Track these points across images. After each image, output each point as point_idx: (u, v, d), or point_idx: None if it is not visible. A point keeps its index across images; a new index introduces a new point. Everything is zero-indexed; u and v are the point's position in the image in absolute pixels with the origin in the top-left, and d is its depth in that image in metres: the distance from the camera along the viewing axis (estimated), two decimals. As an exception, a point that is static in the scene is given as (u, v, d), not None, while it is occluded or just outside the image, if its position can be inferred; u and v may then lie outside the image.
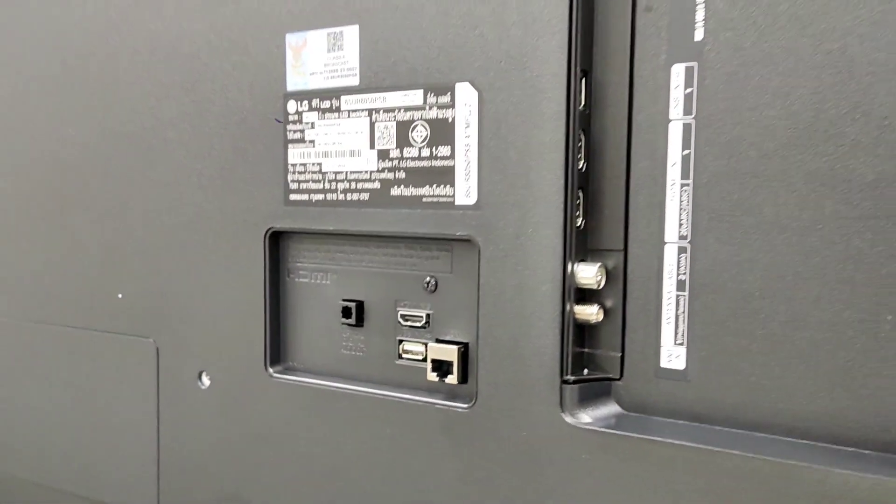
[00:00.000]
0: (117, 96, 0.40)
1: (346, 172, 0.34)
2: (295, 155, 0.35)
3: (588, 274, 0.30)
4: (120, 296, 0.42)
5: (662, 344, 0.29)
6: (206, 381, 0.39)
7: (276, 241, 0.37)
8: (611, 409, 0.30)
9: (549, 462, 0.30)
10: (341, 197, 0.34)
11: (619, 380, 0.30)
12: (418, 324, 0.33)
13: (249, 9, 0.36)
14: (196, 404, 0.39)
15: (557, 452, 0.30)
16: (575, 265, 0.30)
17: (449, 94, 0.31)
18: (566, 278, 0.29)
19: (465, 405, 0.32)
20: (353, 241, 0.35)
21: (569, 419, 0.29)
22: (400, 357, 0.34)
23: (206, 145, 0.38)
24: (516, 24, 0.30)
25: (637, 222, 0.29)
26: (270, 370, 0.37)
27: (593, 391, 0.30)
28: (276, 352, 0.37)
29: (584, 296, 0.30)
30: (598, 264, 0.30)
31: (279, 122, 0.36)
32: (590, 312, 0.30)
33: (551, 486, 0.30)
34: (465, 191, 0.31)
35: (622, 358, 0.30)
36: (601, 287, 0.30)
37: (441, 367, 0.32)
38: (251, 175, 0.37)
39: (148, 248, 0.40)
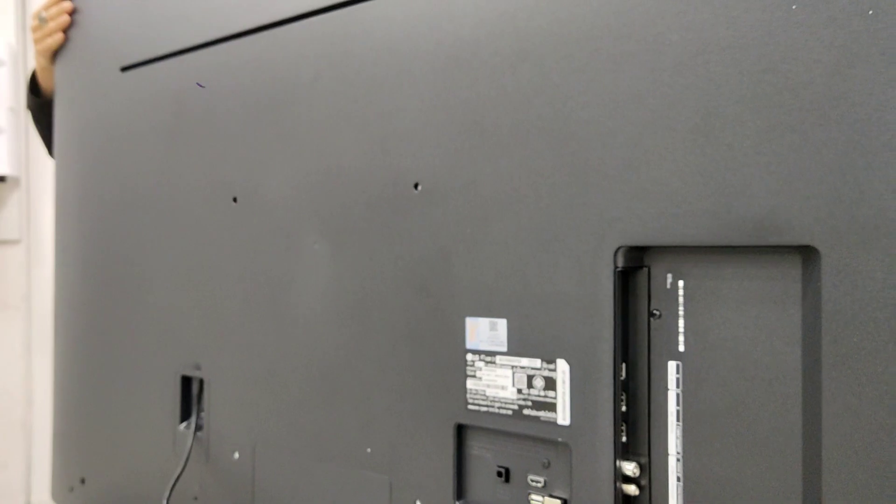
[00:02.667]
0: (342, 341, 0.71)
1: (499, 398, 0.62)
2: (470, 383, 0.64)
3: (628, 468, 0.55)
4: (368, 450, 0.71)
5: (668, 509, 0.54)
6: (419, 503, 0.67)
7: (461, 430, 0.65)
8: (643, 542, 0.55)
9: (608, 570, 0.56)
10: (496, 411, 0.62)
11: (648, 526, 0.55)
12: (539, 485, 0.60)
13: (446, 302, 0.65)
14: (413, 519, 0.68)
15: (613, 565, 0.55)
16: (621, 462, 0.56)
17: (554, 363, 0.59)
18: (616, 470, 0.55)
19: (565, 534, 0.58)
20: (503, 435, 0.62)
21: (618, 547, 0.55)
22: (528, 503, 0.61)
23: (417, 372, 0.66)
24: (587, 333, 0.56)
25: (654, 441, 0.55)
26: (457, 503, 0.65)
27: (632, 532, 0.56)
28: (461, 492, 0.65)
29: (627, 479, 0.56)
30: (634, 463, 0.55)
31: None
32: (631, 489, 0.55)
33: (610, 583, 0.55)
34: (563, 416, 0.58)
35: (649, 514, 0.55)
36: (637, 475, 0.55)
37: (552, 512, 0.59)
38: (446, 393, 0.65)
39: (386, 424, 0.69)
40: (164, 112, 0.91)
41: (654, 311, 0.55)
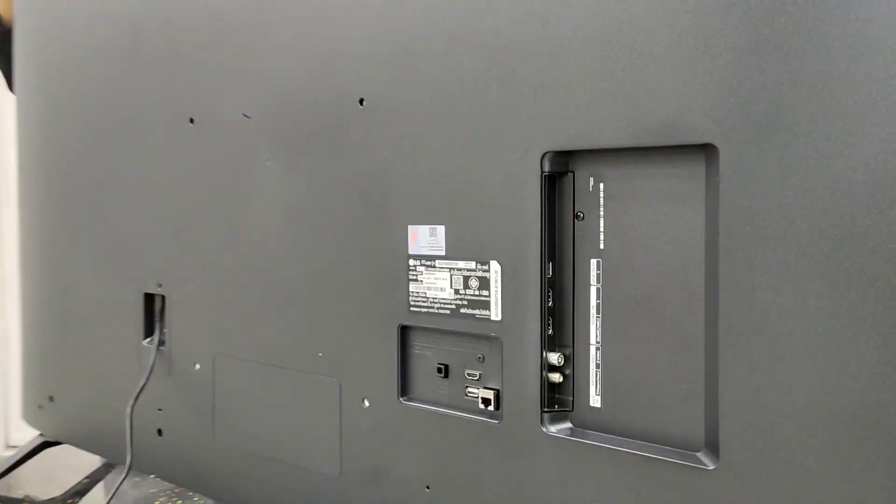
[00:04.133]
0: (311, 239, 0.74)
1: (439, 299, 0.66)
2: (413, 287, 0.68)
3: (553, 358, 0.60)
4: (320, 354, 0.75)
5: (591, 394, 0.59)
6: (366, 403, 0.72)
7: (404, 331, 0.69)
8: (566, 425, 0.60)
9: (534, 452, 0.60)
10: (436, 311, 0.66)
11: (571, 411, 0.60)
12: (475, 378, 0.65)
13: (390, 212, 0.68)
14: (361, 416, 0.72)
15: (539, 448, 0.60)
16: (547, 353, 0.60)
17: (487, 264, 0.63)
18: (542, 359, 0.60)
19: (497, 421, 0.63)
20: (442, 333, 0.67)
21: (545, 430, 0.60)
22: (466, 395, 0.65)
23: (364, 279, 0.71)
24: (517, 235, 0.60)
25: (577, 333, 0.60)
26: (401, 399, 0.69)
27: (558, 417, 0.60)
28: (405, 389, 0.70)
29: (553, 368, 0.60)
30: (559, 353, 0.60)
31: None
32: (556, 377, 0.60)
33: (534, 465, 0.60)
34: (496, 313, 0.62)
35: (572, 400, 0.60)
36: (561, 364, 0.60)
37: (486, 401, 0.64)
38: (390, 297, 0.69)
39: (335, 329, 0.74)
40: (121, 36, 0.92)
41: (579, 213, 0.59)
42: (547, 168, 0.59)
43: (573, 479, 0.58)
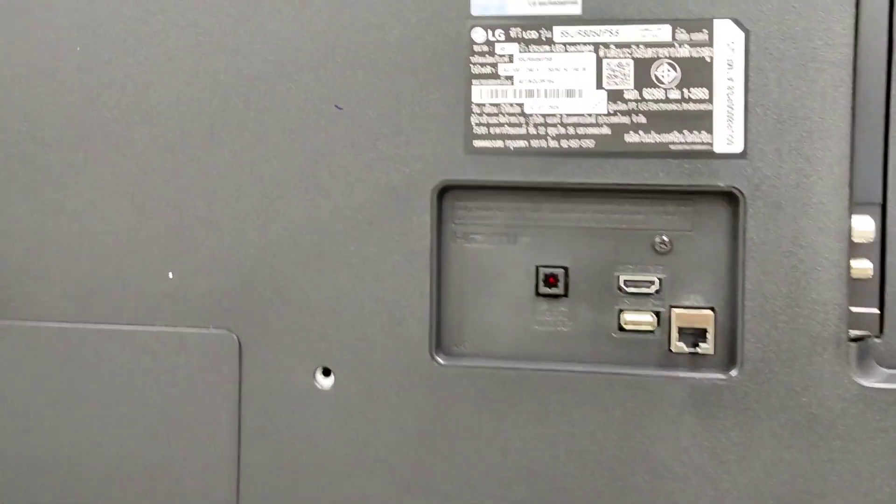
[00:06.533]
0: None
1: (562, 116, 0.29)
2: (483, 93, 0.29)
3: (866, 227, 0.28)
4: (170, 276, 0.31)
5: (937, 299, 0.29)
6: (323, 382, 0.30)
7: (446, 195, 0.30)
8: (877, 368, 0.29)
9: (834, 427, 0.28)
10: (552, 144, 0.29)
11: (878, 337, 0.29)
12: (647, 290, 0.29)
13: None
14: (309, 413, 0.30)
15: (845, 415, 0.28)
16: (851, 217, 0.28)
17: (707, 30, 0.28)
18: (850, 231, 0.28)
19: (724, 375, 0.29)
20: (559, 196, 0.30)
21: (860, 380, 0.28)
22: (621, 329, 0.30)
23: (346, 81, 0.30)
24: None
25: (898, 175, 0.29)
26: (436, 357, 0.30)
27: (861, 352, 0.29)
28: (441, 335, 0.30)
29: (857, 250, 0.29)
30: (868, 217, 0.29)
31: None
32: (865, 268, 0.29)
33: (836, 452, 0.28)
34: (728, 136, 0.28)
35: (881, 315, 0.29)
36: (869, 241, 0.29)
37: (693, 336, 0.29)
38: (415, 118, 0.29)
39: (223, 212, 0.31)
40: None
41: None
42: None
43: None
